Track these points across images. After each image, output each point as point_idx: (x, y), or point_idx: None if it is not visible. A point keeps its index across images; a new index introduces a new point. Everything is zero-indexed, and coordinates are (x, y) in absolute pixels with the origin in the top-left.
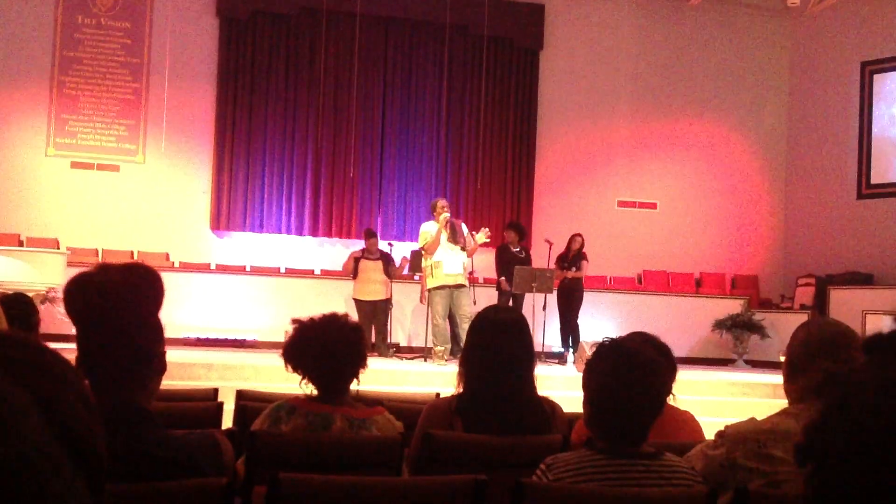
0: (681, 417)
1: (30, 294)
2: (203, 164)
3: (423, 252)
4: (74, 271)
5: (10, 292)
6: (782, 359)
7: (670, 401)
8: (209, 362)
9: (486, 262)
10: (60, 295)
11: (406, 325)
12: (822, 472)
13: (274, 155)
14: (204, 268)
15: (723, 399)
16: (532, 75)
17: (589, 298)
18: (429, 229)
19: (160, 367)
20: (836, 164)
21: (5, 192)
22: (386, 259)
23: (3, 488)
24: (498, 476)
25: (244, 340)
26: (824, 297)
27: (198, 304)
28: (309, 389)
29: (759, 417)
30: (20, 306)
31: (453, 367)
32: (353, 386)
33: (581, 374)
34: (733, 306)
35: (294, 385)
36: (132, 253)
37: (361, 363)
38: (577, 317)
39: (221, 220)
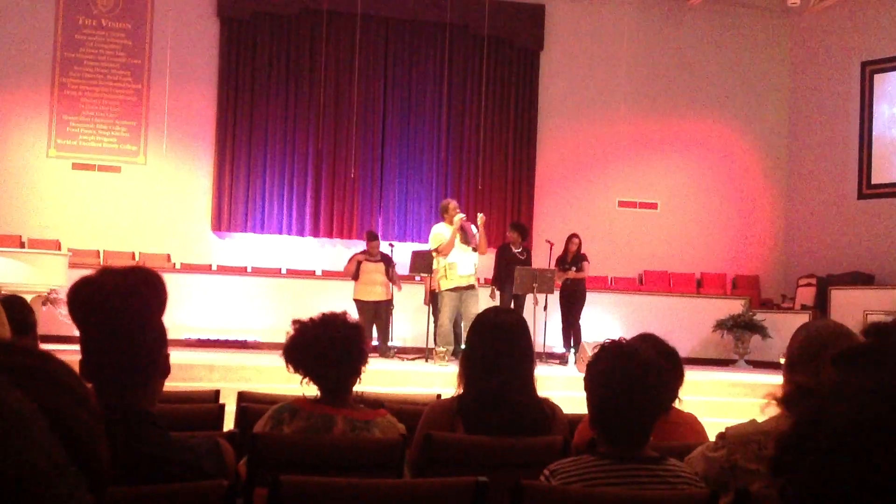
0: (684, 419)
1: (31, 296)
2: (204, 165)
3: (435, 254)
4: (76, 273)
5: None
6: (783, 360)
7: (676, 404)
8: (210, 363)
9: (486, 263)
10: (62, 296)
11: (407, 326)
12: (795, 486)
13: (275, 155)
14: (205, 269)
15: (724, 400)
16: (532, 75)
17: (590, 299)
18: (441, 231)
19: (163, 369)
20: (837, 164)
21: (7, 194)
22: (387, 260)
23: (12, 494)
24: (499, 477)
25: (245, 341)
26: (825, 297)
27: (199, 305)
28: (310, 389)
29: (760, 419)
30: (15, 309)
31: (454, 368)
32: (357, 386)
33: (583, 375)
34: (734, 306)
35: (296, 386)
36: (133, 254)
37: (362, 361)
38: (579, 317)
39: (222, 220)
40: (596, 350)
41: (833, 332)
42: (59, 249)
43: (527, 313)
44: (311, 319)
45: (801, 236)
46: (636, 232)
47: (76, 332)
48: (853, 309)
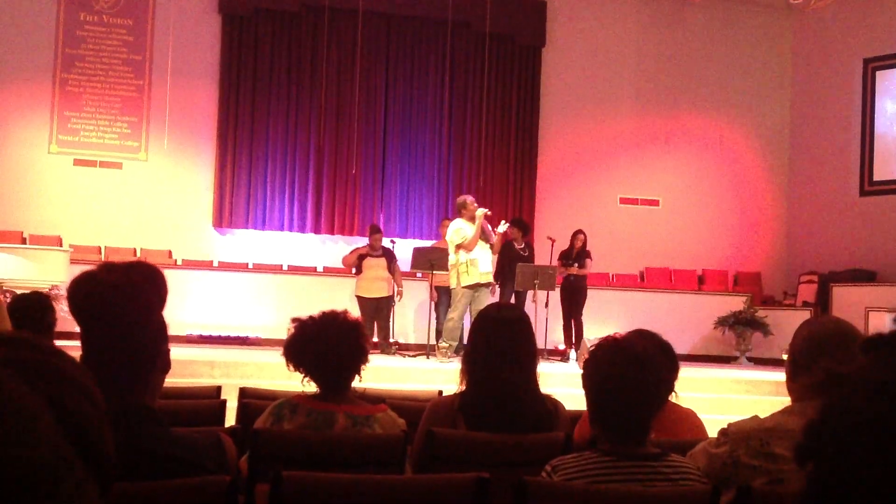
0: (682, 414)
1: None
2: (205, 161)
3: (457, 249)
4: (77, 269)
5: (26, 291)
6: (785, 356)
7: (672, 398)
8: (212, 360)
9: None
10: (63, 293)
11: (409, 322)
12: (822, 472)
13: (276, 152)
14: (206, 265)
15: (726, 396)
16: (534, 72)
17: (591, 296)
18: (462, 226)
19: (164, 365)
20: (839, 161)
21: (8, 190)
22: (389, 256)
23: (20, 489)
24: (500, 474)
25: (247, 338)
26: (827, 294)
27: (200, 301)
28: (311, 388)
29: (763, 415)
30: (32, 307)
31: (456, 364)
32: (356, 382)
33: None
34: (736, 303)
35: (297, 382)
36: (135, 250)
37: (362, 359)
38: (580, 314)
39: (224, 217)
40: (593, 347)
41: (836, 329)
42: (61, 245)
43: (527, 310)
44: (311, 318)
45: (802, 233)
46: (638, 229)
47: (77, 328)
48: (855, 306)
